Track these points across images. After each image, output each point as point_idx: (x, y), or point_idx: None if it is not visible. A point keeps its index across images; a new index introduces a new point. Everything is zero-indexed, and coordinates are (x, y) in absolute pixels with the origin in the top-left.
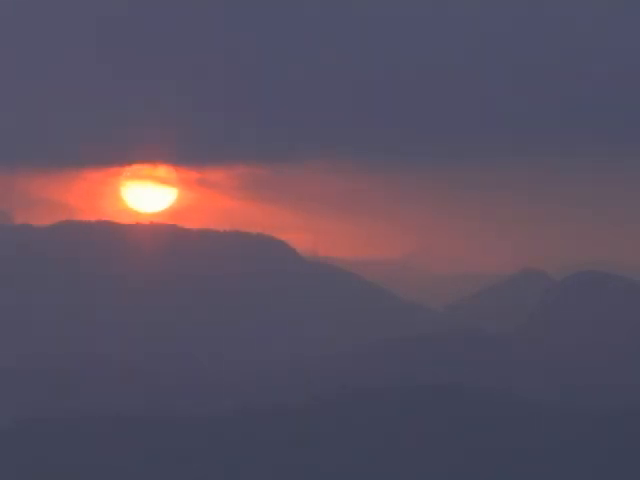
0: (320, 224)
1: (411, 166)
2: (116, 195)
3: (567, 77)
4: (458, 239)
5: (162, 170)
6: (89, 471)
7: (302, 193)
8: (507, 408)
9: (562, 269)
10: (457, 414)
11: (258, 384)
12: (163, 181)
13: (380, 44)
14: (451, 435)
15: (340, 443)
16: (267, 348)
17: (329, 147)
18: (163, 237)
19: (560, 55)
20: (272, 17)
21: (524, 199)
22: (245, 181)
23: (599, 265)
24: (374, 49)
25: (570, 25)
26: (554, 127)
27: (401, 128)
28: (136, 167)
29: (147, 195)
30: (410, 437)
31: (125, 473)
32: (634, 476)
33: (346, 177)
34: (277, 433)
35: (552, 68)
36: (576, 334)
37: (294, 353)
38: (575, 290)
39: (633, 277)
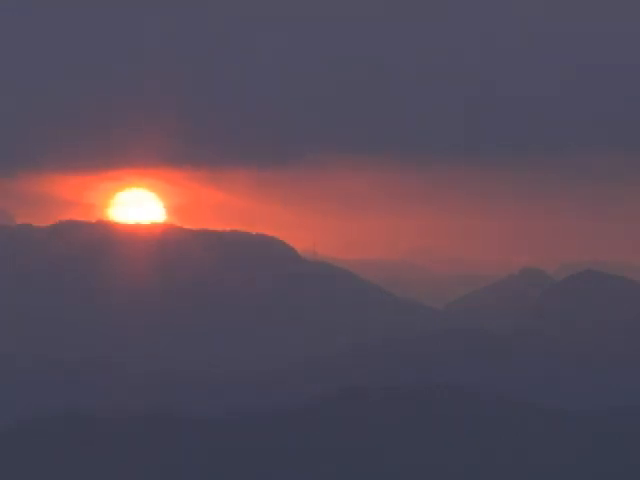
0: (320, 224)
1: (411, 166)
2: (116, 195)
3: (568, 78)
4: (458, 239)
5: (163, 171)
6: (88, 471)
7: (302, 193)
8: (507, 407)
9: (562, 269)
10: (457, 414)
11: (258, 384)
12: (164, 181)
13: (379, 47)
14: (450, 434)
15: (340, 442)
16: (267, 348)
17: (329, 147)
18: (163, 237)
19: (562, 58)
20: (271, 17)
21: (524, 199)
22: (245, 181)
23: (599, 265)
24: (373, 51)
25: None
26: (554, 127)
27: (401, 128)
28: (136, 168)
29: (147, 195)
30: (410, 436)
31: (125, 472)
32: (635, 476)
33: (346, 177)
34: (277, 433)
35: (553, 69)
36: (575, 333)
37: (294, 353)
38: (575, 290)
39: (633, 277)
